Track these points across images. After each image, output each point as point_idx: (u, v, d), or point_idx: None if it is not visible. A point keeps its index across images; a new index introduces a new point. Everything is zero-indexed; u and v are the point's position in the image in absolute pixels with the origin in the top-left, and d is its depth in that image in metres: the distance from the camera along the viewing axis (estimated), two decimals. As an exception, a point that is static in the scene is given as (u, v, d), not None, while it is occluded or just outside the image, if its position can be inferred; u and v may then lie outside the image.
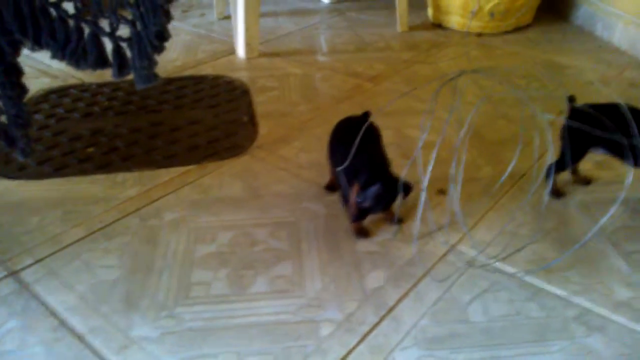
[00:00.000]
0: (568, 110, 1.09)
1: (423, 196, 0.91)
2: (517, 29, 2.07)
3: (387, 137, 1.33)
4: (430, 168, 0.91)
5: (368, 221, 1.03)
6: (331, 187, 1.14)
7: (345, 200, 1.01)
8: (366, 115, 1.11)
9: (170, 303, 0.90)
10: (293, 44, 1.96)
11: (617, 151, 1.05)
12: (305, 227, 1.05)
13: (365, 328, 0.84)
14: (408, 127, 1.39)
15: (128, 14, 0.80)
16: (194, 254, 1.00)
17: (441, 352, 0.80)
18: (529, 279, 0.93)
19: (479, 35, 2.02)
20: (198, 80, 1.68)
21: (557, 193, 1.13)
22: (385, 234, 1.03)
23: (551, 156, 1.07)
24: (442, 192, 1.15)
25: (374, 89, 1.62)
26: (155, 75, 0.81)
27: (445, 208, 1.08)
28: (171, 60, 1.83)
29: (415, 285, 0.92)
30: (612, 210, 0.98)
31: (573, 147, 1.08)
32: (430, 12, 2.15)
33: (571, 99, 1.10)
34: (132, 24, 0.78)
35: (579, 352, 0.80)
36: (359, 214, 0.99)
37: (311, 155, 1.27)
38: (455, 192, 1.04)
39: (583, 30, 2.08)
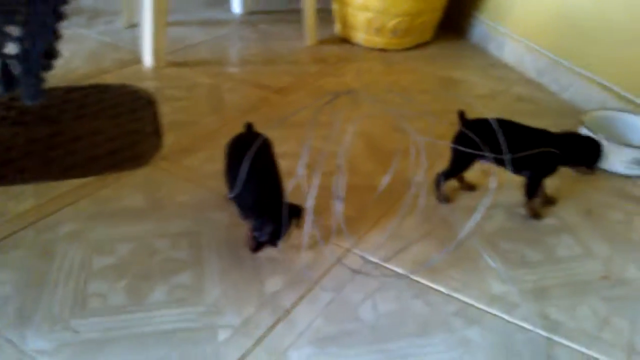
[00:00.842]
0: (459, 124, 1.17)
1: (310, 210, 0.95)
2: (418, 46, 2.20)
3: (291, 148, 1.38)
4: (316, 183, 0.96)
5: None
6: None
7: (242, 215, 1.02)
8: (249, 127, 1.13)
9: (65, 315, 0.89)
10: (202, 54, 1.97)
11: (498, 161, 1.15)
12: (207, 236, 1.07)
13: (262, 331, 0.87)
14: (311, 137, 1.44)
15: (16, 31, 0.79)
16: (91, 266, 0.99)
17: (332, 349, 0.85)
18: (416, 278, 1.00)
19: (383, 50, 2.13)
20: (102, 89, 1.65)
21: (446, 199, 1.22)
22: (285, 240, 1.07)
23: (423, 171, 1.15)
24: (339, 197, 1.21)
25: (281, 101, 1.67)
26: (43, 92, 0.80)
27: (333, 216, 1.14)
28: (75, 68, 1.78)
29: (311, 288, 0.96)
30: (477, 215, 1.09)
31: (461, 158, 1.17)
32: (338, 27, 2.23)
33: (462, 115, 1.18)
34: (20, 41, 0.78)
35: (458, 343, 0.88)
36: (258, 247, 1.00)
37: (216, 165, 1.28)
38: (339, 203, 1.09)
39: (478, 48, 2.24)
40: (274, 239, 0.96)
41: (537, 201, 1.21)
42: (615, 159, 1.38)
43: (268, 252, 1.04)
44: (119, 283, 0.96)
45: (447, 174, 1.21)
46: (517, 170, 1.16)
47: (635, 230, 1.18)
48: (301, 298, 0.94)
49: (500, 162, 1.15)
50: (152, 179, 1.23)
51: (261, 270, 0.99)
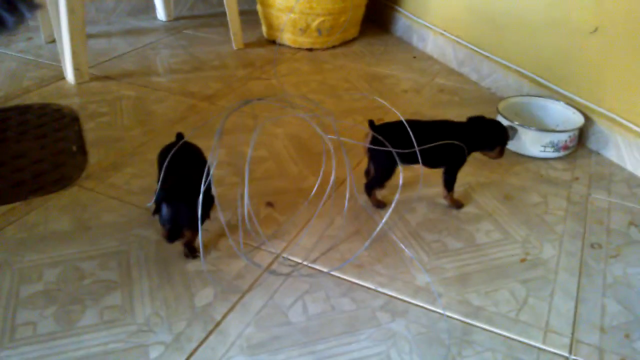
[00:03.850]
0: (370, 133, 1.17)
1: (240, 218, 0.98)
2: (344, 43, 2.24)
3: (220, 156, 1.39)
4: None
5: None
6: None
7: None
8: (180, 137, 1.15)
9: (-7, 349, 0.88)
10: (127, 66, 1.94)
11: (414, 161, 1.15)
12: (135, 254, 1.07)
13: (194, 345, 0.89)
14: (241, 144, 1.46)
15: None
16: (19, 295, 0.98)
17: (263, 356, 0.87)
18: (344, 276, 1.04)
19: (310, 50, 2.16)
20: (23, 110, 1.61)
21: (379, 204, 1.24)
22: (216, 252, 1.09)
23: (334, 172, 1.16)
24: (270, 204, 1.23)
25: (210, 108, 1.67)
26: None
27: (238, 219, 1.16)
28: (-7, 90, 1.73)
29: (242, 297, 0.98)
30: (390, 209, 1.12)
31: (384, 166, 1.19)
32: (264, 29, 2.24)
33: (371, 123, 1.18)
34: None
35: (384, 336, 0.92)
36: (169, 235, 1.00)
37: (143, 181, 1.29)
38: (244, 207, 1.12)
39: (402, 41, 2.30)
40: (176, 223, 0.98)
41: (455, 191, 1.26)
42: (531, 144, 1.46)
43: (198, 264, 1.05)
44: (48, 309, 0.95)
45: (375, 184, 1.22)
46: (433, 165, 1.22)
47: (550, 212, 1.25)
48: (232, 308, 0.96)
49: (416, 161, 1.15)
50: (78, 200, 1.22)
51: (191, 284, 1.01)
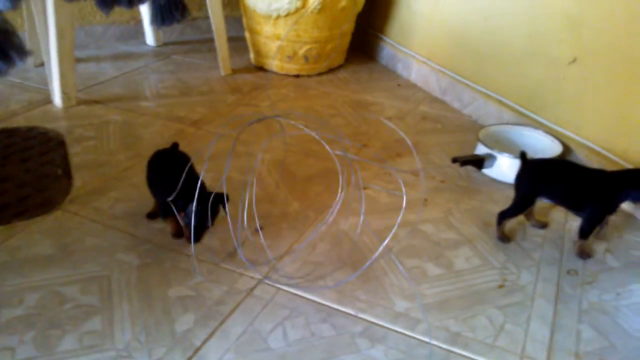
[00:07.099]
0: (521, 163, 1.25)
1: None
2: (331, 70, 2.28)
3: (208, 181, 1.39)
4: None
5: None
6: (153, 215, 1.25)
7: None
8: (175, 146, 1.25)
9: (-31, 375, 0.87)
10: (115, 90, 1.96)
11: (562, 201, 1.24)
12: (117, 279, 1.07)
13: (173, 371, 0.89)
14: (227, 169, 1.47)
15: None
16: (-2, 320, 0.98)
17: (242, 382, 0.88)
18: (324, 301, 1.05)
19: (297, 76, 2.19)
20: (9, 133, 1.62)
21: (506, 239, 1.27)
22: (198, 277, 1.09)
23: (344, 192, 1.21)
24: (260, 228, 1.24)
25: (196, 134, 1.69)
26: None
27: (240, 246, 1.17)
28: (-20, 113, 1.74)
29: (222, 323, 0.99)
30: (390, 234, 1.15)
31: (524, 198, 1.24)
32: (252, 55, 2.28)
33: (523, 154, 1.25)
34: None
35: (363, 362, 0.93)
36: (196, 235, 1.10)
37: (127, 205, 1.30)
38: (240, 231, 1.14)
39: (387, 69, 2.34)
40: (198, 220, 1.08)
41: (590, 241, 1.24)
42: (511, 171, 1.48)
43: (180, 290, 1.06)
44: (27, 335, 0.95)
45: (509, 213, 1.26)
46: (573, 207, 1.23)
47: (528, 238, 1.28)
48: (212, 334, 0.96)
49: (561, 202, 1.24)
50: (61, 224, 1.23)
51: (172, 309, 1.01)
